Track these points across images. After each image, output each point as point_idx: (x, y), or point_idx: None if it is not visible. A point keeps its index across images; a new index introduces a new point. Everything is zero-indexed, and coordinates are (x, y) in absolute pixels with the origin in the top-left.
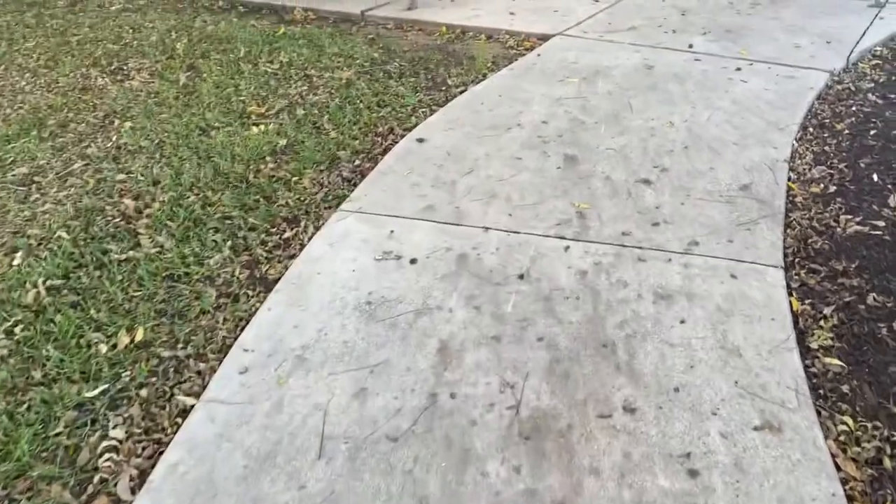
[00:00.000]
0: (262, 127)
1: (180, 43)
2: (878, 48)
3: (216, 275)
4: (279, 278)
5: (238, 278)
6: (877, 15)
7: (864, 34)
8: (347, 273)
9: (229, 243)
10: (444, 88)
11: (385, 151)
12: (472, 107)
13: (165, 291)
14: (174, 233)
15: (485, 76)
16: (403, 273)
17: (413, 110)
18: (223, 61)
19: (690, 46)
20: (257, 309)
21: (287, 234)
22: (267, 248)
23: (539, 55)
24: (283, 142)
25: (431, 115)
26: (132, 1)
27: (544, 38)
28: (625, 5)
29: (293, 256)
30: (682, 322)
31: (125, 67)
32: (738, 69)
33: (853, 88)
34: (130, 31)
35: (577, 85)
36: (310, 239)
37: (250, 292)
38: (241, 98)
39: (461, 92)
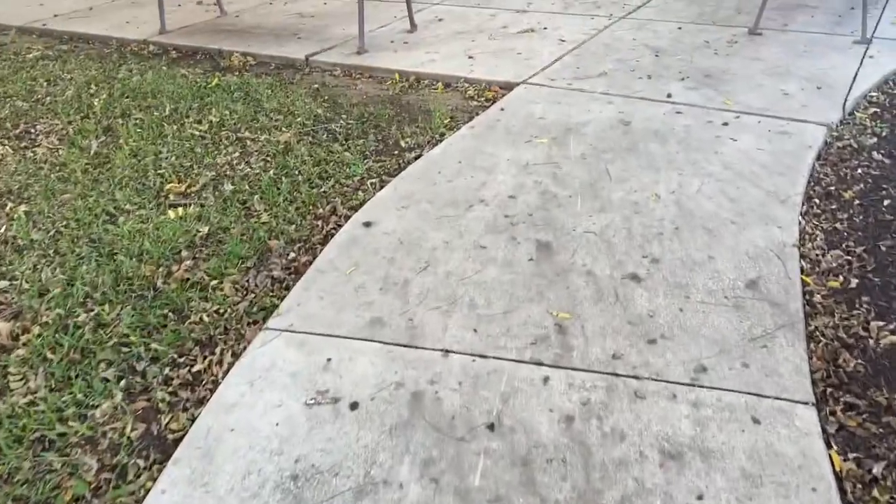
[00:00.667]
0: (181, 210)
1: (99, 99)
2: (874, 94)
3: (101, 434)
4: (182, 436)
5: (129, 438)
6: (865, 53)
7: (855, 77)
8: (269, 428)
9: (123, 383)
10: (396, 153)
11: (326, 239)
12: (429, 177)
13: (31, 465)
14: (54, 370)
15: (442, 136)
16: (341, 425)
17: (360, 182)
18: (144, 122)
19: (669, 96)
20: (149, 489)
21: (198, 367)
22: (171, 389)
23: (502, 109)
24: (204, 230)
25: (381, 188)
26: (52, 47)
27: (507, 87)
28: (593, 46)
29: (203, 401)
30: (700, 499)
31: (33, 131)
32: (725, 124)
33: (855, 145)
34: (45, 84)
35: (547, 147)
36: (226, 373)
37: (142, 462)
38: (161, 171)
39: (416, 157)
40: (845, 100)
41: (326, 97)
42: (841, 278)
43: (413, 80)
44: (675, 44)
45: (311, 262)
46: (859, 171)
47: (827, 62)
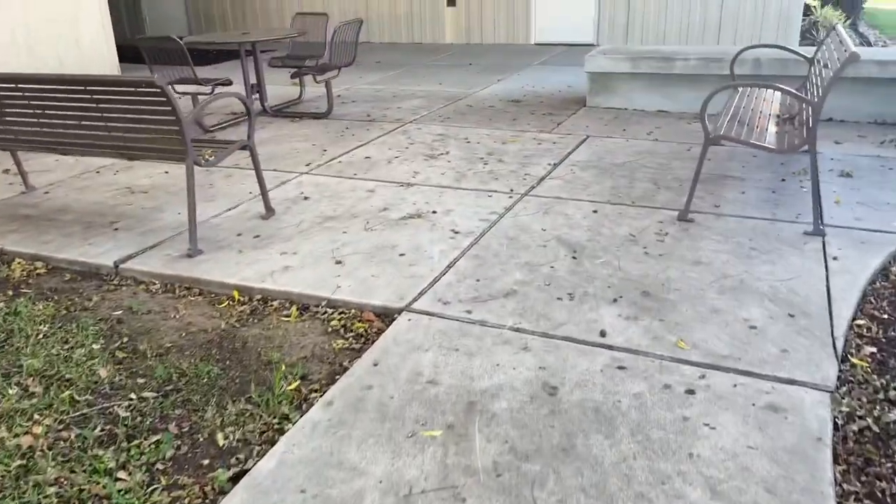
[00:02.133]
0: None
1: None
2: (861, 321)
3: None
4: None
5: None
6: (825, 252)
7: (829, 295)
8: None
9: None
10: (205, 463)
11: None
12: None
13: None
14: None
15: (283, 423)
16: None
17: None
18: None
19: (603, 335)
20: None
21: None
22: None
23: (376, 364)
24: None
25: None
26: None
27: (386, 314)
28: (494, 240)
29: None
30: None
31: None
32: (690, 391)
33: (875, 429)
34: None
35: (441, 447)
36: None
37: None
38: None
39: (234, 477)
40: (833, 338)
41: (126, 339)
42: None
43: (258, 300)
44: (594, 237)
45: None
46: None
47: (785, 268)
